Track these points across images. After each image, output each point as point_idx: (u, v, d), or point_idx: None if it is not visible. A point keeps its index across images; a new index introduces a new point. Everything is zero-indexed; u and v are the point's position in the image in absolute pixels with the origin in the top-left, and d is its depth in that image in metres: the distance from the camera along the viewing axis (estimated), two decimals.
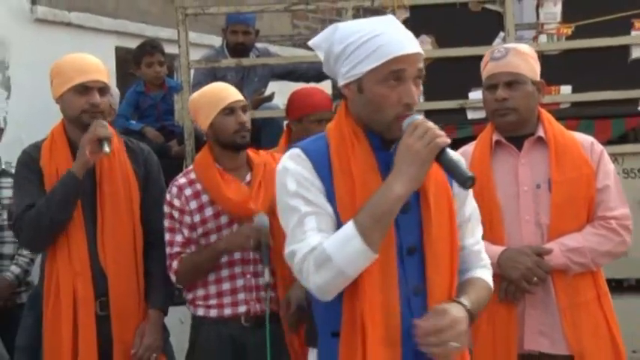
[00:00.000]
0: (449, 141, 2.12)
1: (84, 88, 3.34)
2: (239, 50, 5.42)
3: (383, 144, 2.23)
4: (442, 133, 2.12)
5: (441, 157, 2.12)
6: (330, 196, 2.19)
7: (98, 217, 3.39)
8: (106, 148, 3.25)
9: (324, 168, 2.20)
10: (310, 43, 2.33)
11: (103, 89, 3.39)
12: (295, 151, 2.25)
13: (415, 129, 2.10)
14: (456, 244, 2.27)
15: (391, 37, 2.16)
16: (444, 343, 2.11)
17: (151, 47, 5.54)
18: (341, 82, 2.24)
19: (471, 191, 2.33)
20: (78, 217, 3.37)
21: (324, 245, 2.11)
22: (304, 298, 3.23)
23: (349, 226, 2.10)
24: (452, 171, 2.15)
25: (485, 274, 2.39)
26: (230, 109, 3.45)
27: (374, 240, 2.08)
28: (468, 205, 2.36)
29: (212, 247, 3.45)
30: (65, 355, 3.29)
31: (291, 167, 2.22)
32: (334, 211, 2.18)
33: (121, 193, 3.41)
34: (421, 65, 2.19)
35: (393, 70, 2.14)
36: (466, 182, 2.12)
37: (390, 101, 2.16)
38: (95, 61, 3.45)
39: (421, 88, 2.23)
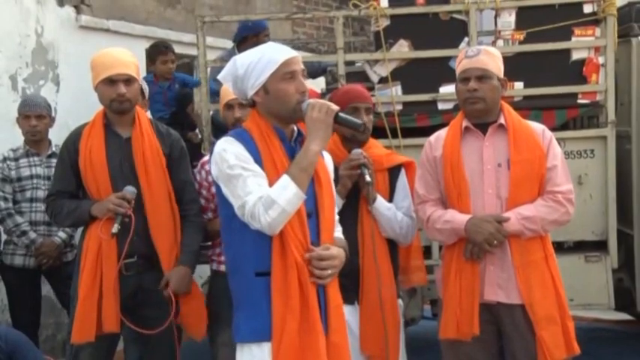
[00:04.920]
0: (338, 107, 2.43)
1: (111, 81, 3.24)
2: None
3: (286, 137, 2.47)
4: (331, 104, 2.43)
5: (337, 118, 2.42)
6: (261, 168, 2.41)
7: (142, 187, 3.24)
8: (114, 229, 3.13)
9: (252, 150, 2.41)
10: (219, 77, 2.56)
11: (129, 80, 3.26)
12: (229, 138, 2.45)
13: (313, 107, 2.40)
14: (335, 211, 2.56)
15: (275, 50, 2.45)
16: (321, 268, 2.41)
17: (164, 47, 5.38)
18: (251, 93, 2.45)
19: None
20: (105, 190, 3.24)
21: (269, 193, 2.33)
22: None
23: (284, 178, 2.35)
24: (348, 124, 2.49)
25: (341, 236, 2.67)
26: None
27: (303, 184, 2.35)
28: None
29: (211, 224, 3.43)
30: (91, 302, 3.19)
31: (229, 147, 2.41)
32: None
33: (153, 166, 3.30)
34: (302, 65, 2.47)
35: (288, 71, 2.41)
36: (360, 126, 2.52)
37: (290, 92, 2.41)
38: (121, 56, 3.31)
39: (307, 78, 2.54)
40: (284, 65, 2.41)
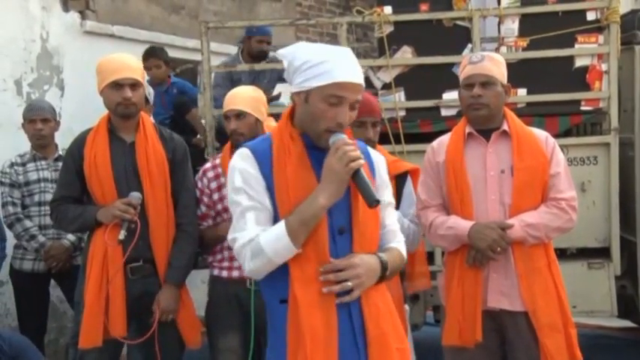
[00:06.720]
0: (362, 163, 2.10)
1: (117, 85, 3.24)
2: (261, 56, 5.32)
3: (312, 143, 2.18)
4: (358, 154, 2.09)
5: (355, 177, 2.09)
6: (271, 191, 2.15)
7: (146, 192, 3.25)
8: (121, 236, 3.14)
9: (266, 166, 2.15)
10: (279, 52, 2.27)
11: (135, 85, 3.26)
12: (244, 151, 2.19)
13: (336, 151, 2.08)
14: (379, 226, 2.24)
15: (341, 65, 2.11)
16: (340, 280, 2.09)
17: (145, 54, 5.30)
18: (293, 89, 2.18)
19: (389, 183, 2.33)
20: (110, 195, 3.25)
21: (259, 238, 2.10)
22: None
23: (281, 227, 2.09)
24: (362, 191, 2.11)
25: (399, 246, 2.32)
26: None
27: (299, 239, 2.08)
28: (387, 194, 2.32)
29: (214, 229, 3.43)
30: (99, 307, 3.19)
31: (239, 165, 2.17)
32: (272, 203, 2.15)
33: (157, 171, 3.30)
34: (359, 97, 2.15)
35: (335, 95, 2.10)
36: (372, 203, 2.10)
37: (326, 116, 2.11)
38: (127, 61, 3.31)
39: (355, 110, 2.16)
40: (335, 86, 2.09)
